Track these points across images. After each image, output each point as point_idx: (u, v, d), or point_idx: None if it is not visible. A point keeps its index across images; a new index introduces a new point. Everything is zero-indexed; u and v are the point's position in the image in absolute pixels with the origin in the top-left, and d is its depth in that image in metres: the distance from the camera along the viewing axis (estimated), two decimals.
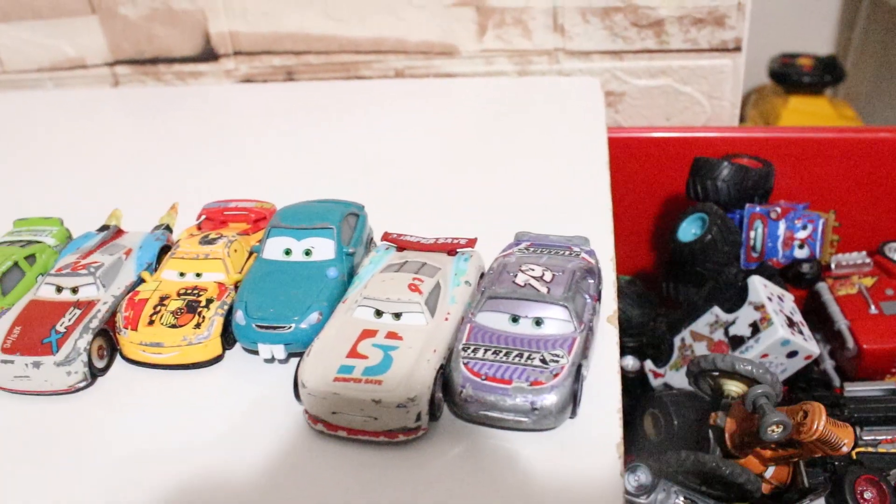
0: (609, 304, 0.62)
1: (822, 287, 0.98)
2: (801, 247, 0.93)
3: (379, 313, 0.55)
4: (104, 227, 0.71)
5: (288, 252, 0.63)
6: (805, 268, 0.95)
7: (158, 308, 0.60)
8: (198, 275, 0.62)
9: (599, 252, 0.63)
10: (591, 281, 0.59)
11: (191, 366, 0.59)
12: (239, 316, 0.58)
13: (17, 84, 1.11)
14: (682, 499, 0.75)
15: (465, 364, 0.52)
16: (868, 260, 0.99)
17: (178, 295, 0.61)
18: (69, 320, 0.59)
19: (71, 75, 1.09)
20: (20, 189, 0.88)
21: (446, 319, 0.56)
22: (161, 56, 1.07)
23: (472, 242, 0.63)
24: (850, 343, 0.92)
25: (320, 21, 1.01)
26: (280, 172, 0.87)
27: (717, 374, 0.74)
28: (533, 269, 0.57)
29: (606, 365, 0.57)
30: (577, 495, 0.47)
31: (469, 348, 0.53)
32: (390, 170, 0.86)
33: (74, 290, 0.61)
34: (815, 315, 0.99)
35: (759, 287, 0.88)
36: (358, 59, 1.04)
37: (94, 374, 0.59)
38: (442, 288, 0.58)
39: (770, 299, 0.87)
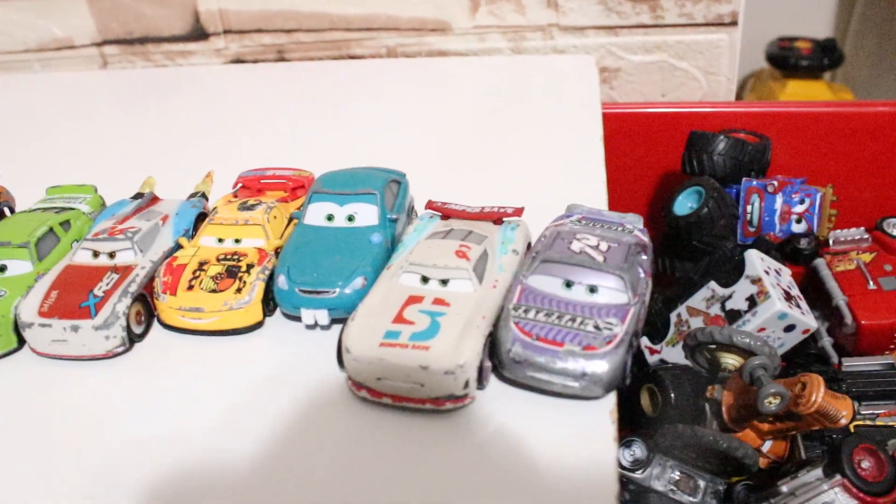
0: None
1: (820, 263, 0.96)
2: (798, 221, 0.92)
3: (425, 279, 0.54)
4: (138, 195, 0.71)
5: (330, 218, 0.62)
6: (803, 243, 0.94)
7: (198, 273, 0.59)
8: (237, 241, 0.62)
9: None
10: (645, 257, 0.59)
11: (230, 332, 0.58)
12: (282, 280, 0.58)
13: (4, 66, 1.09)
14: (678, 473, 0.74)
15: (516, 323, 0.51)
16: (866, 236, 0.98)
17: (218, 260, 0.60)
18: (107, 284, 0.58)
19: (58, 56, 1.08)
20: (20, 172, 0.86)
21: (494, 287, 0.54)
22: (150, 35, 1.06)
23: (518, 211, 0.62)
24: (849, 319, 0.90)
25: None
26: (274, 154, 0.85)
27: (714, 347, 0.73)
28: (588, 239, 0.57)
29: None
30: (571, 464, 0.46)
31: (520, 308, 0.52)
32: (386, 150, 0.84)
33: (112, 255, 0.61)
34: (813, 291, 0.98)
35: (755, 261, 0.86)
36: (349, 36, 1.03)
37: (132, 339, 0.58)
38: (489, 255, 0.57)
39: (767, 273, 0.86)
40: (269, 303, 0.60)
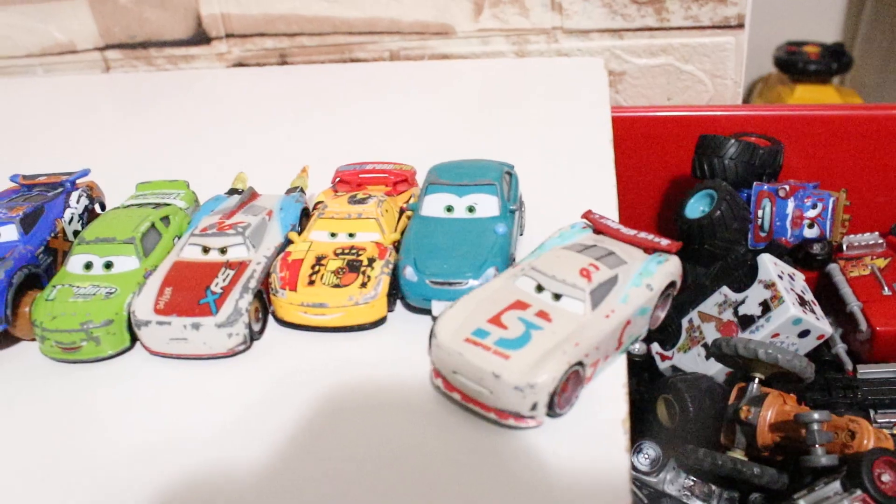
0: None
1: (834, 268, 0.94)
2: (810, 226, 0.90)
3: (540, 288, 0.53)
4: (233, 191, 0.70)
5: (450, 209, 0.62)
6: (816, 248, 0.92)
7: (317, 268, 0.57)
8: (351, 234, 0.61)
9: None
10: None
11: (354, 328, 0.56)
12: (409, 272, 0.57)
13: (7, 71, 1.09)
14: (691, 478, 0.72)
15: None
16: (881, 240, 0.96)
17: (336, 255, 0.59)
18: (223, 281, 0.56)
19: (61, 60, 1.07)
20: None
21: (607, 316, 0.51)
22: (152, 40, 1.05)
23: (674, 246, 0.59)
24: (863, 325, 0.88)
25: (313, 2, 0.99)
26: (279, 158, 0.84)
27: (740, 360, 0.71)
28: None
29: None
30: (584, 473, 0.44)
31: None
32: (390, 154, 0.83)
33: (223, 251, 0.59)
34: (827, 297, 0.96)
35: (769, 265, 0.85)
36: (352, 40, 1.02)
37: (252, 336, 0.56)
38: (618, 283, 0.54)
39: (781, 277, 0.84)
40: (389, 298, 0.58)
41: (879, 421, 0.80)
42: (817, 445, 0.62)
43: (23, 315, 0.57)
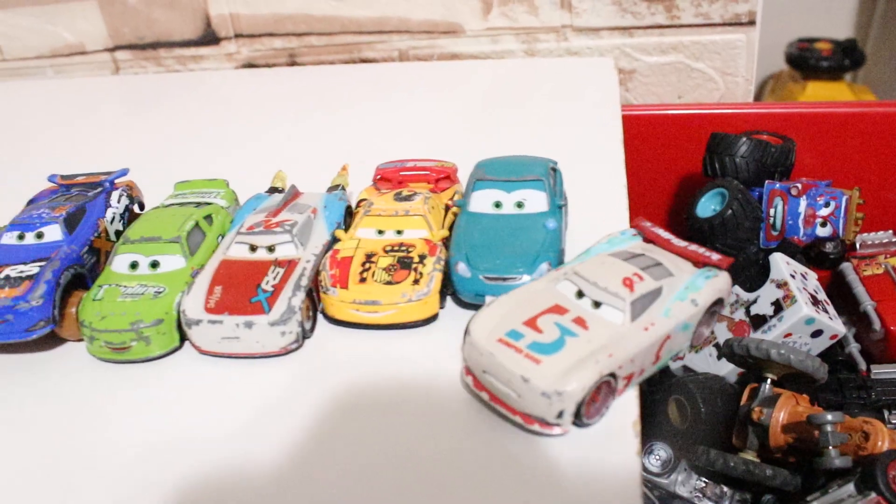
0: None
1: (847, 267, 0.93)
2: (823, 225, 0.89)
3: (580, 294, 0.52)
4: (273, 189, 0.69)
5: (498, 205, 0.62)
6: (829, 247, 0.91)
7: (367, 265, 0.57)
8: (398, 232, 0.60)
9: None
10: None
11: (406, 325, 0.56)
12: (462, 268, 0.56)
13: (18, 72, 1.09)
14: (703, 480, 0.72)
15: None
16: (895, 239, 0.95)
17: (386, 252, 0.58)
18: (274, 279, 0.55)
19: (70, 62, 1.08)
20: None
21: (646, 329, 0.50)
22: (161, 40, 1.05)
23: (725, 262, 0.57)
24: (877, 325, 0.87)
25: (321, 1, 0.99)
26: (289, 158, 0.84)
27: (751, 361, 0.70)
28: None
29: None
30: (594, 476, 0.44)
31: None
32: (400, 154, 0.83)
33: (271, 249, 0.58)
34: (840, 296, 0.95)
35: (781, 264, 0.84)
36: (361, 39, 1.02)
37: (304, 335, 0.56)
38: (662, 295, 0.52)
39: (793, 277, 0.84)
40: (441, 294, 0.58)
41: (894, 422, 0.79)
42: (830, 447, 0.61)
43: (69, 316, 0.57)
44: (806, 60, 1.62)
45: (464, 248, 0.58)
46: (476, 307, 0.56)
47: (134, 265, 0.58)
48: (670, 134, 0.97)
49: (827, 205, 0.88)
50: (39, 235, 0.60)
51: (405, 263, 0.57)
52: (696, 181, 0.95)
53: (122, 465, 0.47)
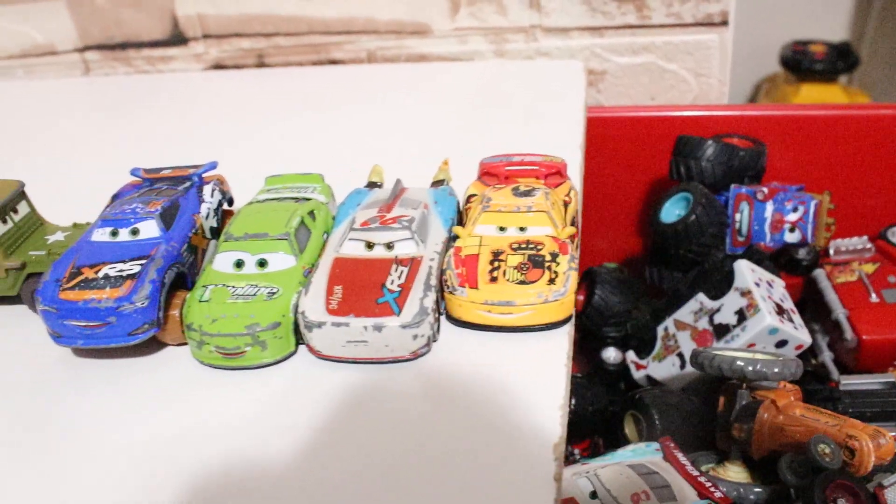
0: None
1: (820, 274, 0.91)
2: (791, 230, 0.87)
3: (594, 495, 0.59)
4: (372, 184, 0.66)
5: None
6: (801, 254, 0.89)
7: (496, 264, 0.53)
8: (521, 229, 0.56)
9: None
10: None
11: (541, 326, 0.52)
12: None
13: None
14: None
15: None
16: (869, 245, 0.93)
17: (513, 249, 0.54)
18: (399, 278, 0.52)
19: (41, 62, 1.07)
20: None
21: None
22: (130, 41, 1.04)
23: (725, 502, 0.63)
24: (849, 334, 0.85)
25: (288, 2, 0.98)
26: (261, 159, 0.82)
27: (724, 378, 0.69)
28: None
29: (552, 356, 0.51)
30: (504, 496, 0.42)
31: None
32: (368, 157, 0.81)
33: (389, 247, 0.54)
34: (813, 304, 0.93)
35: (745, 271, 0.82)
36: (328, 39, 1.01)
37: (433, 338, 0.52)
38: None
39: (758, 284, 0.82)
40: None
41: None
42: (819, 455, 0.60)
43: (172, 319, 0.52)
44: (799, 63, 1.60)
45: None
46: None
47: (239, 264, 0.54)
48: (640, 137, 0.95)
49: (795, 210, 0.86)
50: (135, 232, 0.55)
51: (537, 262, 0.53)
52: (667, 186, 0.93)
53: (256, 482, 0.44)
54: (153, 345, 0.54)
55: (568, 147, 0.80)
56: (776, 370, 0.65)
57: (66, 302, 0.50)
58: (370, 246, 0.55)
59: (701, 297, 0.85)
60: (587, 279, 0.92)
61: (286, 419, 0.47)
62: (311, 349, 0.51)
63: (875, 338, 0.84)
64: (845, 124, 0.93)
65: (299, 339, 0.52)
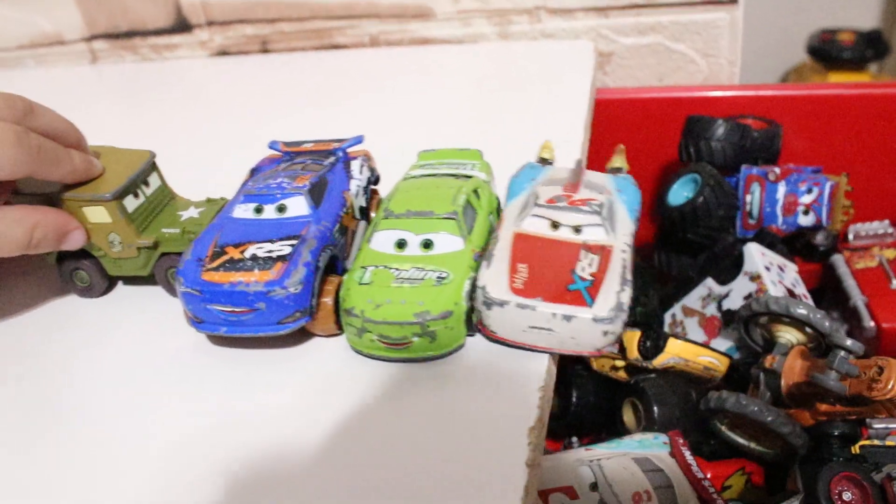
0: None
1: (838, 259, 0.87)
2: (805, 213, 0.83)
3: (594, 487, 0.57)
4: (543, 160, 0.60)
5: None
6: (819, 239, 0.85)
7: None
8: None
9: None
10: None
11: None
12: None
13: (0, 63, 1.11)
14: None
15: None
16: (891, 230, 0.89)
17: None
18: (590, 266, 0.46)
19: (50, 52, 1.08)
20: None
21: None
22: (136, 29, 1.05)
23: None
24: (868, 321, 0.81)
25: None
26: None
27: (767, 320, 0.68)
28: None
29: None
30: (475, 485, 0.39)
31: None
32: (374, 142, 0.80)
33: (577, 230, 0.49)
34: (831, 291, 0.89)
35: (755, 255, 0.78)
36: (331, 25, 1.00)
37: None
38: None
39: (768, 269, 0.78)
40: None
41: (876, 427, 0.73)
42: (833, 369, 0.59)
43: (324, 307, 0.47)
44: (827, 51, 1.56)
45: None
46: None
47: (401, 244, 0.48)
48: (650, 118, 0.92)
49: (809, 191, 0.82)
50: (281, 209, 0.50)
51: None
52: (678, 169, 0.90)
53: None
54: (299, 335, 0.49)
55: (570, 126, 0.77)
56: (817, 316, 0.64)
57: (210, 284, 0.45)
58: (555, 226, 0.49)
59: (709, 282, 0.82)
60: None
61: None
62: (484, 329, 0.46)
63: (895, 325, 0.80)
64: (865, 103, 0.89)
65: (470, 330, 0.47)
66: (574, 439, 0.68)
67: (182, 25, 1.03)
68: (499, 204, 0.56)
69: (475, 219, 0.50)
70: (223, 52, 1.05)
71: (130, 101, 0.98)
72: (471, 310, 0.46)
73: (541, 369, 0.45)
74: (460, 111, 0.83)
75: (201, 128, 0.87)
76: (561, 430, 0.80)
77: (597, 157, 0.87)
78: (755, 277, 0.78)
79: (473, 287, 0.46)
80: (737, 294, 0.79)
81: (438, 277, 0.46)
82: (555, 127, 0.77)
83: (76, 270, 0.55)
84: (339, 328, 0.48)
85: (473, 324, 0.47)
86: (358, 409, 0.44)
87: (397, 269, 0.46)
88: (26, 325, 0.55)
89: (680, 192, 0.84)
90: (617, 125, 0.93)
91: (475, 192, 0.52)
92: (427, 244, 0.48)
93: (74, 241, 0.52)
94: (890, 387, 0.58)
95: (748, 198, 0.83)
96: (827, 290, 0.90)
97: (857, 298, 0.83)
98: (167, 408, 0.46)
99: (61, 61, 1.09)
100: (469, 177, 0.54)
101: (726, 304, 0.80)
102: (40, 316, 0.56)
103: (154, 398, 0.47)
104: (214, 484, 0.41)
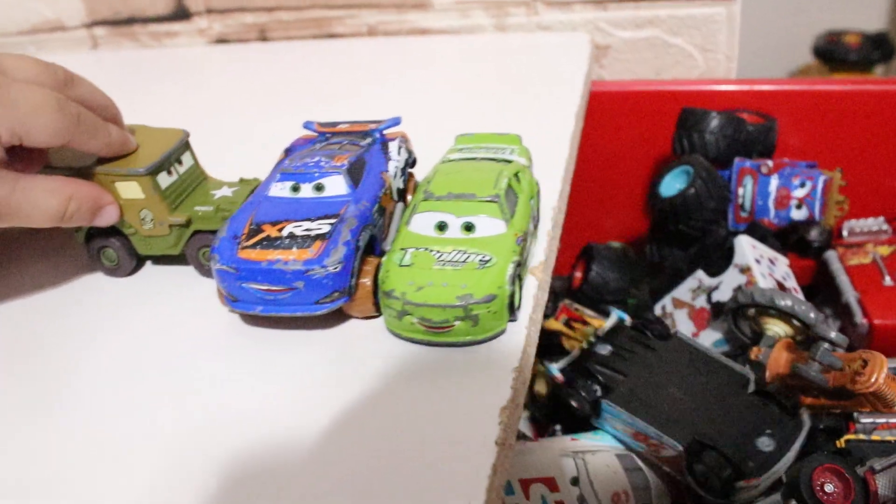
0: (538, 254, 0.54)
1: (831, 255, 0.87)
2: (798, 207, 0.83)
3: (575, 481, 0.58)
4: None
5: None
6: (813, 235, 0.85)
7: None
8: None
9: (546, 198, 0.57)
10: None
11: None
12: None
13: (1, 48, 1.12)
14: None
15: None
16: (886, 226, 0.88)
17: None
18: None
19: (51, 38, 1.09)
20: None
21: None
22: (135, 16, 1.05)
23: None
24: (859, 318, 0.81)
25: None
26: (273, 134, 0.81)
27: (754, 311, 0.70)
28: None
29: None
30: (443, 462, 0.39)
31: None
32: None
33: None
34: (824, 288, 0.88)
35: (745, 247, 0.78)
36: (330, 14, 1.00)
37: None
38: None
39: (758, 261, 0.78)
40: None
41: (863, 421, 0.72)
42: (816, 360, 0.60)
43: (363, 288, 0.46)
44: (833, 53, 1.56)
45: None
46: None
47: (442, 226, 0.48)
48: (645, 112, 0.92)
49: (802, 185, 0.82)
50: (319, 188, 0.49)
51: None
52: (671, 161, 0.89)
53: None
54: (335, 316, 0.48)
55: (560, 117, 0.77)
56: (802, 308, 0.66)
57: (246, 262, 0.44)
58: None
59: (700, 274, 0.81)
60: (585, 255, 0.89)
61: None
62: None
63: (887, 322, 0.79)
64: (862, 100, 0.88)
65: (512, 315, 0.46)
66: (558, 427, 0.67)
67: (181, 13, 1.04)
68: (539, 189, 0.56)
69: (517, 203, 0.50)
70: (222, 40, 1.06)
71: (129, 88, 0.98)
72: (513, 294, 0.45)
73: (517, 351, 0.45)
74: (456, 101, 0.83)
75: (199, 115, 0.87)
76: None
77: (593, 150, 0.87)
78: (745, 270, 0.77)
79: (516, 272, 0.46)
80: (727, 286, 0.79)
81: (481, 261, 0.45)
82: (548, 117, 0.77)
83: (104, 248, 0.54)
84: (377, 310, 0.47)
85: (515, 309, 0.46)
86: (361, 395, 0.44)
87: (438, 252, 0.46)
88: (49, 304, 0.54)
89: (672, 184, 0.84)
90: (613, 118, 0.93)
91: (516, 175, 0.52)
92: (469, 227, 0.47)
93: (108, 216, 0.51)
94: (873, 380, 0.58)
95: (740, 191, 0.83)
96: (821, 287, 0.89)
97: (849, 294, 0.83)
98: (198, 390, 0.45)
99: (62, 47, 1.10)
100: (509, 161, 0.54)
101: (716, 297, 0.79)
102: (65, 294, 0.54)
103: (184, 379, 0.46)
104: (244, 464, 0.40)
